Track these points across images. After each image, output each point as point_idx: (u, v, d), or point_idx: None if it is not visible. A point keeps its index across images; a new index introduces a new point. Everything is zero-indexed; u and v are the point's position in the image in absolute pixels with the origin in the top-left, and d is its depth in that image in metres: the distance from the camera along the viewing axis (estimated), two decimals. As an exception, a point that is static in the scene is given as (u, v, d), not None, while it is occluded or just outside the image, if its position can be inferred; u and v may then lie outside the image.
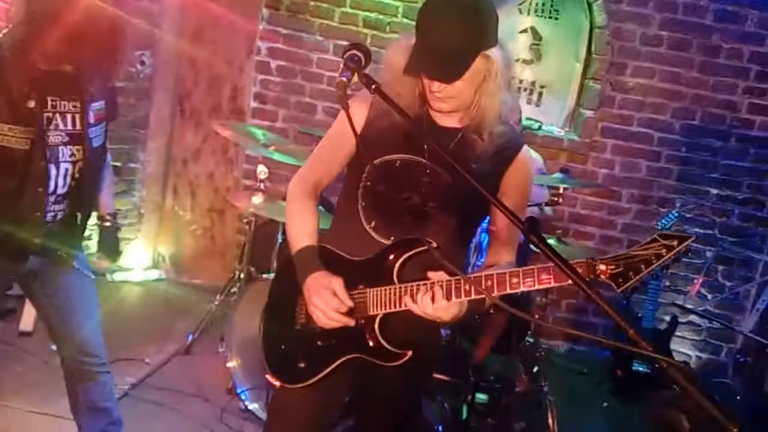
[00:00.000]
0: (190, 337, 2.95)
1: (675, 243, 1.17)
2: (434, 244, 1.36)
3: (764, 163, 3.50)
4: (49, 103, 1.64)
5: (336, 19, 3.52)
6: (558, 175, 3.02)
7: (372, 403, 1.58)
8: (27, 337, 2.73)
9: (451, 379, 2.55)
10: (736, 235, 3.55)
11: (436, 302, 1.29)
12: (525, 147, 1.49)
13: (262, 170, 2.91)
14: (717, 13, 3.37)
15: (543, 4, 3.52)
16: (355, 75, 1.27)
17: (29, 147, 1.61)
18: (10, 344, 2.67)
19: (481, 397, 2.68)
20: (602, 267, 1.19)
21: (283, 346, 1.51)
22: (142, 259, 3.72)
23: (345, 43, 3.45)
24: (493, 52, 1.35)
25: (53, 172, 1.67)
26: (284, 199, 2.86)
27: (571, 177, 3.17)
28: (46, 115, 1.63)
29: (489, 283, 1.27)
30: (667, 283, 3.56)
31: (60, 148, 1.68)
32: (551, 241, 2.86)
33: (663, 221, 3.15)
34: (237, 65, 3.60)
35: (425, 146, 1.41)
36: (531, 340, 3.05)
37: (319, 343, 1.45)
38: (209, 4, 3.46)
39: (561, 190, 2.81)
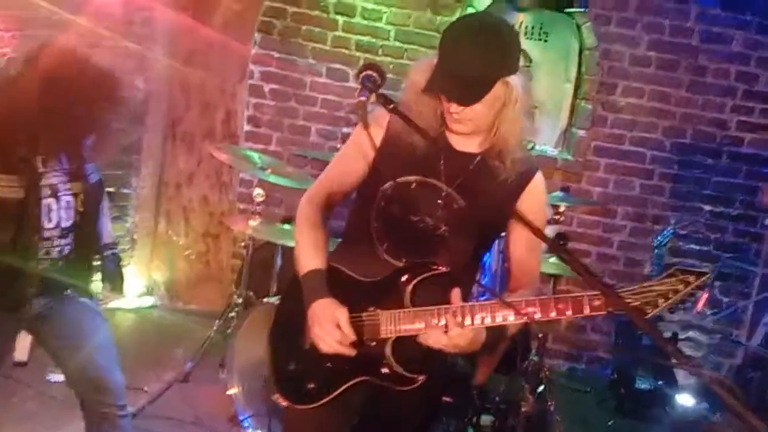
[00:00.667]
0: (189, 365, 2.87)
1: (692, 279, 1.19)
2: (444, 269, 1.35)
3: (756, 180, 3.57)
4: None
5: (329, 42, 3.54)
6: (559, 193, 3.04)
7: (381, 426, 1.55)
8: (22, 367, 2.66)
9: (454, 400, 2.51)
10: (731, 250, 3.59)
11: (450, 330, 1.28)
12: (539, 173, 1.49)
13: (258, 193, 2.88)
14: (703, 34, 3.47)
15: (533, 27, 3.59)
16: (373, 95, 1.27)
17: (24, 195, 1.60)
18: (6, 375, 2.58)
19: (486, 418, 2.64)
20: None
21: (291, 366, 1.48)
22: (135, 286, 3.64)
23: (338, 66, 3.60)
24: (513, 79, 1.35)
25: (54, 206, 1.65)
26: (282, 221, 2.87)
27: (571, 195, 3.19)
28: (41, 157, 1.64)
29: (506, 311, 1.27)
30: (665, 300, 3.57)
31: (59, 184, 1.67)
32: (553, 260, 2.87)
33: (659, 238, 3.19)
34: (230, 89, 3.60)
35: (441, 169, 1.41)
36: (535, 359, 3.03)
37: (328, 364, 1.42)
38: (202, 29, 3.47)
39: (562, 209, 2.82)
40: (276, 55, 3.55)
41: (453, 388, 2.54)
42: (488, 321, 1.29)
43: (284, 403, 1.50)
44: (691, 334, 3.61)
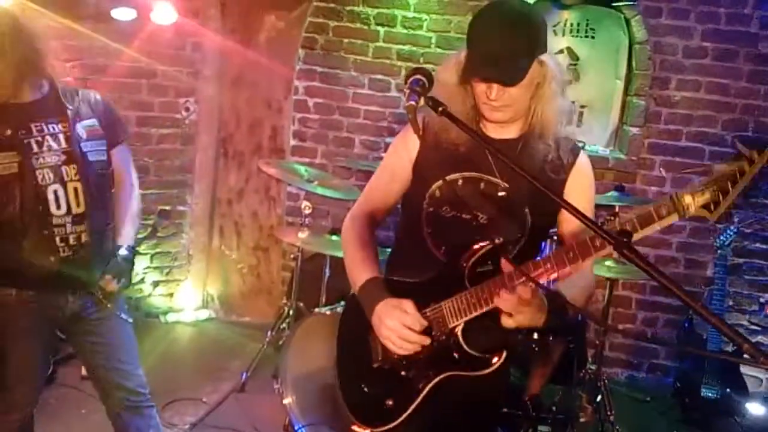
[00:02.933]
0: (244, 375, 2.95)
1: (756, 155, 1.12)
2: (498, 240, 1.33)
3: (827, 171, 3.32)
4: (34, 128, 1.72)
5: (370, 54, 3.57)
6: (613, 193, 2.93)
7: (459, 417, 1.49)
8: (89, 380, 2.80)
9: (510, 411, 2.46)
10: (801, 248, 3.36)
11: (504, 299, 1.25)
12: (583, 152, 1.46)
13: (306, 205, 2.94)
14: (763, 20, 3.27)
15: (578, 24, 3.49)
16: (422, 99, 1.27)
17: (18, 169, 1.67)
18: (74, 387, 2.73)
19: (543, 429, 2.58)
20: (688, 199, 1.14)
21: (365, 389, 1.45)
22: (192, 300, 3.78)
23: (380, 77, 3.62)
24: (546, 57, 1.35)
25: (60, 192, 1.71)
26: (329, 233, 2.92)
27: (627, 194, 3.07)
28: (34, 139, 1.71)
29: (570, 254, 1.22)
30: (731, 303, 3.38)
31: (62, 168, 1.73)
32: (609, 263, 2.77)
33: (721, 237, 3.01)
34: (276, 106, 3.69)
35: (489, 161, 1.39)
36: (593, 367, 2.93)
37: (403, 373, 1.39)
38: (247, 50, 3.58)
39: (617, 209, 2.72)
40: (319, 69, 3.61)
41: (507, 399, 2.49)
42: (549, 274, 1.24)
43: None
44: (760, 338, 3.40)
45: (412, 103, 1.25)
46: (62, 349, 2.88)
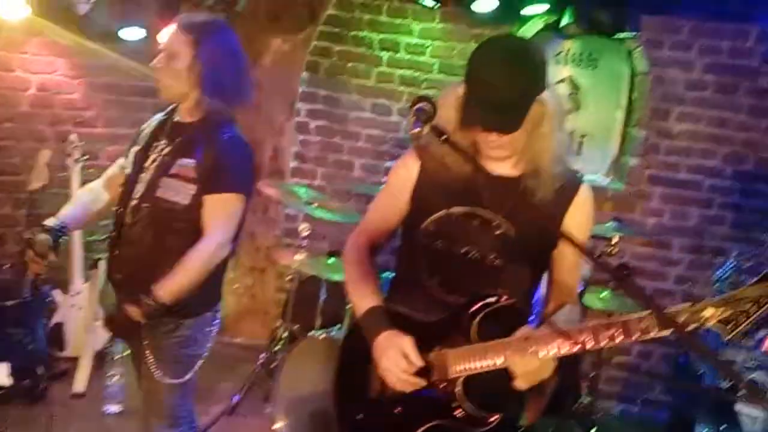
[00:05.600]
0: (236, 398, 2.94)
1: None
2: (509, 299, 1.32)
3: (825, 208, 3.31)
4: (158, 145, 1.78)
5: (373, 78, 3.60)
6: (611, 223, 2.93)
7: None
8: (80, 398, 2.80)
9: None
10: (801, 284, 3.33)
11: (527, 365, 1.24)
12: (585, 184, 1.44)
13: (304, 227, 2.95)
14: (764, 55, 3.28)
15: (581, 54, 3.52)
16: (426, 126, 1.27)
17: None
18: (64, 405, 2.71)
19: (538, 461, 2.55)
20: (711, 311, 1.10)
21: (359, 417, 1.45)
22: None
23: (382, 101, 3.65)
24: (546, 96, 1.34)
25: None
26: (327, 255, 2.92)
27: (625, 225, 3.07)
28: (151, 155, 1.76)
29: (586, 335, 1.19)
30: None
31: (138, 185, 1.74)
32: (604, 294, 2.76)
33: (720, 272, 3.00)
34: (278, 127, 3.71)
35: (486, 197, 1.39)
36: (587, 400, 2.91)
37: (398, 410, 1.39)
38: (252, 70, 3.61)
39: (615, 240, 2.71)
40: (322, 92, 3.64)
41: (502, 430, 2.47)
42: (565, 349, 1.22)
43: None
44: (755, 375, 3.36)
45: (416, 130, 1.25)
46: (53, 366, 2.88)
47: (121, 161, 1.91)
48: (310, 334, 2.72)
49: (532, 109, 1.32)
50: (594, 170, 3.54)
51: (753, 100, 3.32)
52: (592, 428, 2.84)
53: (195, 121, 1.77)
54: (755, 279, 1.10)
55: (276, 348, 3.04)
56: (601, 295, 2.78)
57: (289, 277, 3.08)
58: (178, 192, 1.69)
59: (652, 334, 1.12)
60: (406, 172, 1.46)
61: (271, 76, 3.62)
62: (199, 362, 1.86)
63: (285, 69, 3.64)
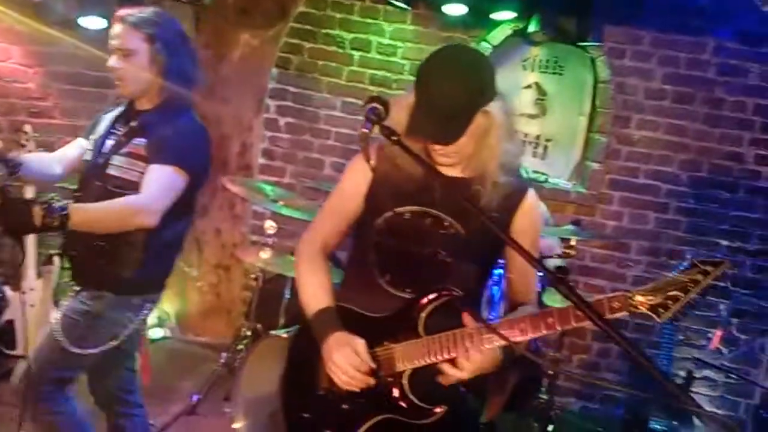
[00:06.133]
0: (196, 398, 2.89)
1: (710, 268, 1.17)
2: (458, 293, 1.35)
3: (774, 215, 3.48)
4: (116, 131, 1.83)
5: (344, 77, 3.60)
6: (570, 226, 3.01)
7: None
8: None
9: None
10: (749, 287, 3.49)
11: (471, 357, 1.28)
12: (531, 191, 1.49)
13: (270, 225, 2.93)
14: (720, 67, 3.43)
15: (547, 61, 3.60)
16: (376, 127, 1.28)
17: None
18: (7, 404, 2.61)
19: (496, 457, 2.60)
20: (640, 298, 1.18)
21: (306, 415, 1.46)
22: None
23: (352, 100, 3.65)
24: (493, 107, 1.36)
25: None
26: (292, 253, 2.90)
27: (583, 229, 3.16)
28: (109, 141, 1.81)
29: (523, 325, 1.26)
30: (681, 337, 3.49)
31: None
32: (556, 297, 2.83)
33: (674, 273, 3.10)
34: (246, 123, 3.67)
35: (436, 197, 1.42)
36: (545, 397, 2.98)
37: (344, 406, 1.40)
38: (220, 65, 3.57)
39: (573, 242, 2.79)
40: (292, 89, 3.62)
41: (461, 426, 2.50)
42: (510, 339, 1.26)
43: None
44: (706, 372, 3.50)
45: (365, 130, 1.27)
46: (2, 365, 2.78)
47: (79, 141, 1.92)
48: (271, 333, 2.70)
49: (477, 120, 1.34)
50: (558, 174, 3.63)
51: (708, 109, 3.46)
52: (549, 424, 2.90)
53: (154, 107, 1.82)
54: (683, 267, 1.19)
55: (239, 347, 3.01)
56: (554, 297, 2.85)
57: (254, 275, 3.05)
58: (128, 170, 1.74)
59: (587, 322, 1.17)
60: (359, 171, 1.47)
61: (240, 71, 3.58)
62: (107, 345, 1.80)
63: (254, 64, 3.60)
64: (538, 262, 1.11)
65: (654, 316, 1.17)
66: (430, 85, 1.33)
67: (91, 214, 1.63)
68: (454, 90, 1.31)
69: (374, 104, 1.30)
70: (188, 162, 1.75)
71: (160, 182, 1.70)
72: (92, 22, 2.96)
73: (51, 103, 3.21)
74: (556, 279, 1.06)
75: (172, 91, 1.79)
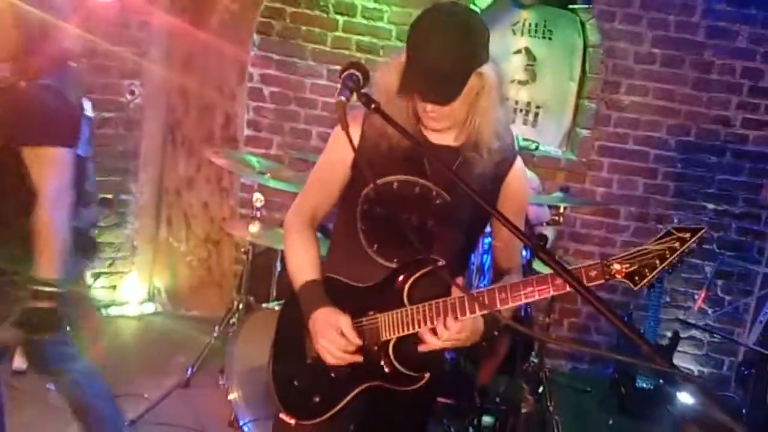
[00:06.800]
0: (190, 371, 2.89)
1: (688, 235, 1.18)
2: (441, 262, 1.35)
3: (759, 177, 3.52)
4: None
5: (328, 43, 3.50)
6: (558, 194, 3.02)
7: (382, 428, 1.55)
8: (21, 375, 2.68)
9: (456, 402, 2.52)
10: (734, 249, 3.56)
11: (449, 326, 1.29)
12: (518, 158, 1.48)
13: (258, 198, 2.88)
14: (708, 30, 3.41)
15: (536, 25, 3.54)
16: (354, 94, 1.24)
17: None
18: (6, 384, 2.59)
19: (487, 419, 2.67)
20: (617, 267, 1.20)
21: (295, 382, 1.48)
22: (137, 293, 3.65)
23: (338, 67, 3.51)
24: (486, 69, 1.34)
25: None
26: (281, 226, 2.87)
27: (571, 195, 3.17)
28: None
29: (503, 295, 1.27)
30: (668, 299, 3.56)
31: None
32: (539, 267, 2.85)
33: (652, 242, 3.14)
34: (228, 93, 3.57)
35: (425, 166, 1.40)
36: (535, 360, 3.03)
37: (332, 374, 1.42)
38: (198, 32, 3.44)
39: (562, 210, 2.81)
40: (275, 57, 3.51)
41: (454, 390, 2.55)
42: (492, 307, 1.28)
43: (291, 421, 1.49)
44: (693, 332, 3.60)
45: (342, 98, 1.22)
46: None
47: None
48: (263, 305, 2.70)
49: (471, 81, 1.31)
50: (549, 141, 3.61)
51: (697, 73, 3.45)
52: (539, 387, 2.97)
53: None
54: (659, 235, 1.19)
55: (232, 320, 3.00)
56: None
57: (244, 249, 3.01)
58: None
59: (568, 289, 1.19)
60: (345, 143, 1.43)
61: (219, 38, 3.45)
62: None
63: (234, 30, 3.48)
64: (519, 231, 1.10)
65: (630, 284, 1.19)
66: (423, 42, 1.29)
67: (57, 260, 1.62)
68: (449, 49, 1.28)
69: (352, 70, 1.26)
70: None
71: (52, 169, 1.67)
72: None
73: None
74: (536, 247, 1.07)
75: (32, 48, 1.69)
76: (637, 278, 1.18)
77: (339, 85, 1.24)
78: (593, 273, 1.21)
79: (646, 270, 1.17)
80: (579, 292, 1.02)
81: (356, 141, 1.42)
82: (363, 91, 1.25)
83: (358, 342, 1.36)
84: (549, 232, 3.17)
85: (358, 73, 1.26)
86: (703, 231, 1.18)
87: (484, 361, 2.84)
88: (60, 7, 1.74)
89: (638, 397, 3.16)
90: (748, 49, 3.41)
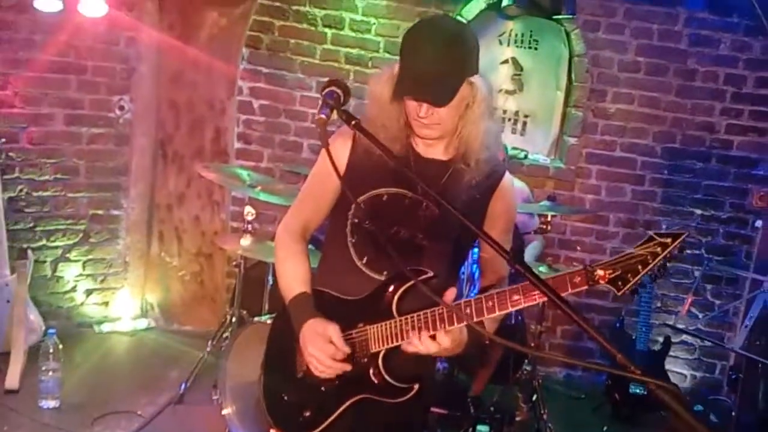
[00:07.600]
0: (183, 386, 2.88)
1: (669, 240, 1.18)
2: (431, 274, 1.35)
3: (745, 182, 3.57)
4: None
5: (317, 56, 3.53)
6: (545, 202, 3.05)
7: None
8: (13, 394, 2.66)
9: (450, 412, 2.53)
10: (722, 253, 3.60)
11: (437, 338, 1.30)
12: (507, 173, 1.51)
13: (249, 211, 2.88)
14: (691, 38, 3.46)
15: (522, 35, 3.58)
16: (334, 112, 1.26)
17: None
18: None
19: (481, 428, 2.66)
20: (600, 272, 1.20)
21: (285, 397, 1.48)
22: (130, 308, 3.63)
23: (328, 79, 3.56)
24: (477, 80, 1.37)
25: None
26: (273, 239, 2.87)
27: (558, 204, 3.20)
28: None
29: (490, 303, 1.27)
30: (659, 305, 3.59)
31: None
32: (542, 269, 2.87)
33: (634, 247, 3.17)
34: (219, 107, 3.58)
35: (413, 179, 1.40)
36: (528, 368, 3.04)
37: (323, 388, 1.42)
38: (187, 47, 3.46)
39: (549, 218, 2.84)
40: (264, 70, 3.54)
41: (448, 400, 2.55)
42: (477, 317, 1.28)
43: None
44: (684, 337, 3.63)
45: (323, 116, 1.25)
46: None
47: None
48: (255, 319, 2.69)
49: (463, 90, 1.34)
50: (537, 150, 3.65)
51: (681, 80, 3.50)
52: (533, 395, 2.98)
53: None
54: (641, 241, 1.20)
55: (225, 334, 2.99)
56: (540, 268, 2.89)
57: (236, 262, 3.01)
58: None
59: (550, 296, 1.19)
60: (335, 152, 1.44)
61: (208, 52, 3.47)
62: None
63: (223, 45, 3.49)
64: (497, 245, 1.12)
65: (613, 289, 1.19)
66: (415, 48, 1.33)
67: None
68: (441, 54, 1.31)
69: (332, 88, 1.28)
70: None
71: None
72: (47, 5, 2.84)
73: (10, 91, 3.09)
74: (512, 260, 1.09)
75: None
76: (620, 283, 1.19)
77: (319, 103, 1.26)
78: (577, 279, 1.21)
79: (629, 275, 1.18)
80: (557, 304, 1.02)
81: (346, 154, 1.44)
82: (343, 108, 1.27)
83: (347, 350, 1.36)
84: (537, 240, 3.20)
85: (338, 91, 1.27)
86: (684, 236, 1.19)
87: (478, 371, 2.85)
88: None
89: (632, 404, 3.18)
90: (730, 56, 3.47)
